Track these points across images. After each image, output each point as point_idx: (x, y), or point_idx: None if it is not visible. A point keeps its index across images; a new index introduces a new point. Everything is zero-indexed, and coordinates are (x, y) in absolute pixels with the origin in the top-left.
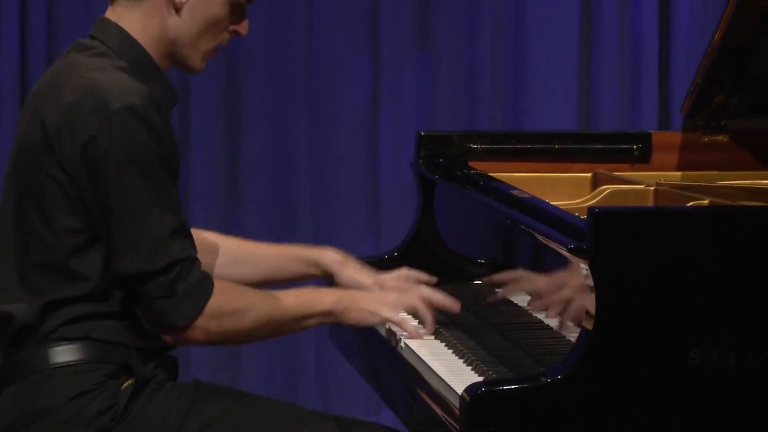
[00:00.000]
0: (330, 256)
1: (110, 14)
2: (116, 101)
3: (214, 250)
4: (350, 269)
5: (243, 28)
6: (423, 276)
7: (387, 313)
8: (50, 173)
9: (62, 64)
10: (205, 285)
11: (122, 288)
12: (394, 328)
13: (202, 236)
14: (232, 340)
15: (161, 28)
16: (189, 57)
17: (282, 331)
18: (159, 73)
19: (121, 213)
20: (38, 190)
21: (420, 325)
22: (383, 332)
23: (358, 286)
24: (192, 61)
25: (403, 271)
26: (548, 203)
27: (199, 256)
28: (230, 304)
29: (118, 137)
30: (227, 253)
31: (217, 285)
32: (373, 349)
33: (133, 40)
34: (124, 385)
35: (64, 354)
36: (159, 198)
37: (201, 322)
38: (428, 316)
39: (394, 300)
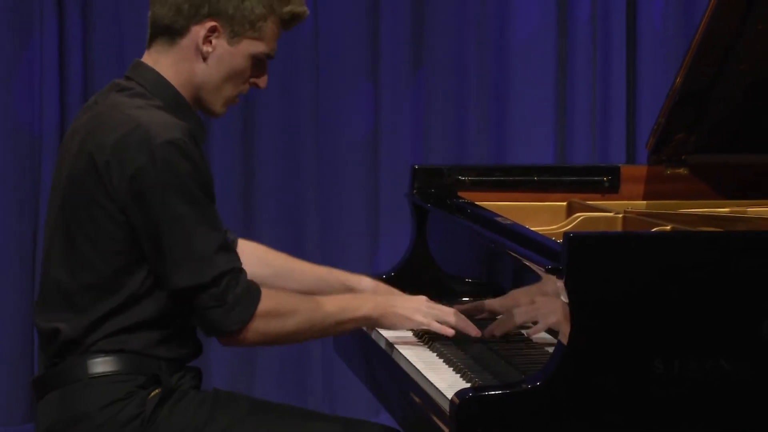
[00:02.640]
0: (366, 283)
1: (146, 58)
2: (159, 136)
3: (263, 262)
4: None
5: (262, 81)
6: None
7: (420, 317)
8: (99, 202)
9: (104, 105)
10: (252, 292)
11: (175, 303)
12: (388, 336)
13: (251, 248)
14: (280, 341)
15: (190, 73)
16: (211, 102)
17: (325, 333)
18: (191, 110)
19: (171, 235)
20: (87, 218)
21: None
22: (382, 344)
23: None
24: (214, 106)
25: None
26: (528, 229)
27: (247, 266)
28: (277, 308)
29: (163, 169)
30: (274, 266)
31: (264, 291)
32: (373, 359)
33: (167, 81)
34: (152, 394)
35: (101, 365)
36: (203, 219)
37: (252, 325)
38: (462, 325)
39: (427, 306)
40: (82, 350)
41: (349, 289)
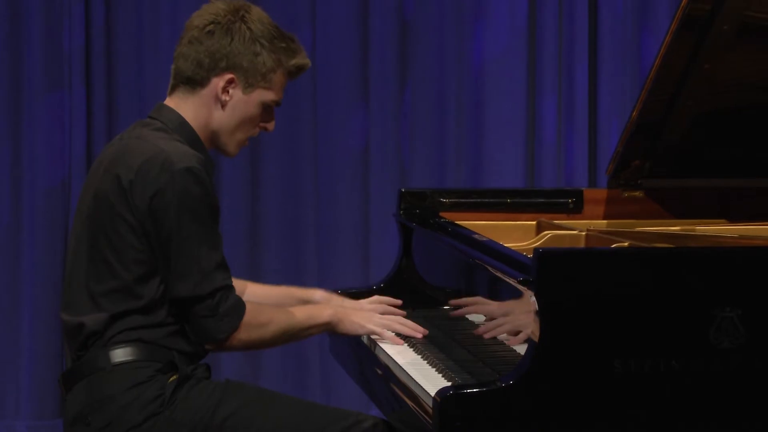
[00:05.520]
0: (319, 295)
1: (169, 102)
2: (178, 163)
3: None
4: (334, 304)
5: (271, 125)
6: (391, 300)
7: (371, 326)
8: (123, 217)
9: (130, 136)
10: (239, 306)
11: (174, 307)
12: (374, 337)
13: None
14: (259, 347)
15: (208, 118)
16: (226, 144)
17: (294, 338)
18: (204, 148)
19: (178, 249)
20: (112, 231)
21: (395, 336)
22: (370, 344)
23: None
24: (228, 148)
25: (376, 297)
26: (502, 245)
27: None
28: (258, 320)
29: (179, 191)
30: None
31: (248, 305)
32: (364, 361)
33: (187, 123)
34: (171, 379)
35: (121, 354)
36: (207, 238)
37: (237, 334)
38: (408, 331)
39: (378, 317)
40: (104, 342)
41: (306, 301)
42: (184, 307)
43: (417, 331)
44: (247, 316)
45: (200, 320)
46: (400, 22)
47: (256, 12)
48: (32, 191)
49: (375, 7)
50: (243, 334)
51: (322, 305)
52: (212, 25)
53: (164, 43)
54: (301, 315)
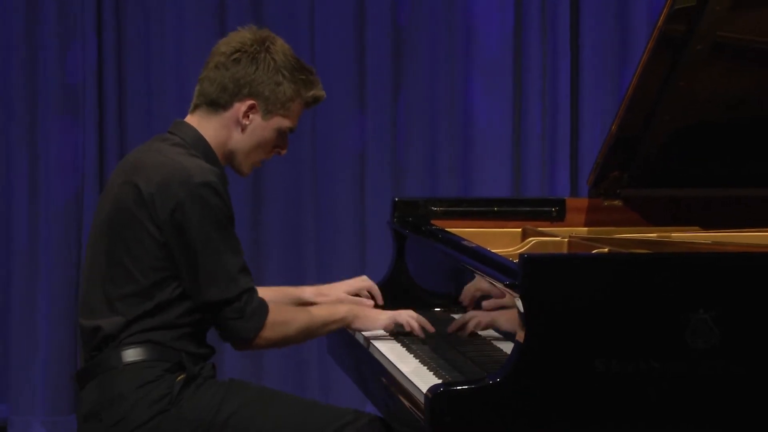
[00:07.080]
0: (309, 291)
1: (189, 119)
2: (197, 177)
3: None
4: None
5: (284, 150)
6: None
7: (382, 323)
8: (143, 226)
9: (149, 149)
10: (263, 306)
11: (201, 311)
12: (367, 334)
13: None
14: (283, 344)
15: (227, 139)
16: (241, 164)
17: (314, 335)
18: (219, 164)
19: (204, 257)
20: (131, 238)
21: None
22: (365, 344)
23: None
24: (242, 168)
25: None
26: (489, 251)
27: None
28: (281, 318)
29: (199, 203)
30: None
31: (270, 305)
32: (360, 360)
33: (204, 139)
34: (178, 378)
35: (132, 354)
36: (229, 245)
37: (263, 333)
38: (415, 326)
39: (389, 314)
40: (116, 344)
41: (297, 299)
42: (212, 311)
43: (426, 328)
44: (271, 315)
45: (229, 322)
46: (394, 30)
47: (280, 43)
48: (48, 203)
49: (370, 16)
50: (269, 333)
51: (339, 304)
52: (239, 53)
53: (171, 63)
54: (321, 312)
